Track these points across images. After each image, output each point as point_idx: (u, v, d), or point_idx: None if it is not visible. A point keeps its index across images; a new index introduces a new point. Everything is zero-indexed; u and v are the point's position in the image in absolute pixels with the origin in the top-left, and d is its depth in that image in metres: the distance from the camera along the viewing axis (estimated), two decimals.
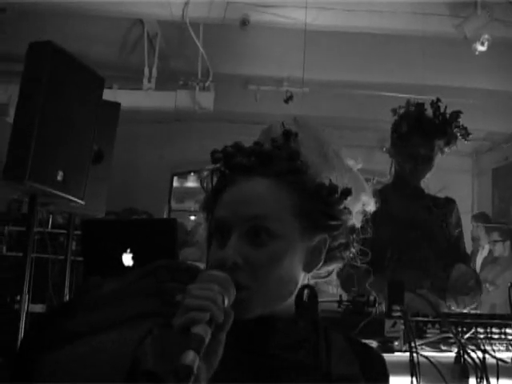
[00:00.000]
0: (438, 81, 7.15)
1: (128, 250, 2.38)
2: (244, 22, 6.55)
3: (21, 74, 3.21)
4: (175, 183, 10.20)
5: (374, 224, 1.43)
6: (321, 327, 1.39)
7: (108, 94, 4.15)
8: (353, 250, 1.41)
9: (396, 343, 2.15)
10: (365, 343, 1.49)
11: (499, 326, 2.30)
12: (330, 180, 1.31)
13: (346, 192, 1.33)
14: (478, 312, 2.63)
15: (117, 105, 4.29)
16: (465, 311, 2.83)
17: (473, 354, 2.10)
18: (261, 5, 6.47)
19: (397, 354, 2.12)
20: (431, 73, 7.03)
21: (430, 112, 3.13)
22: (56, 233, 5.77)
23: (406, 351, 2.08)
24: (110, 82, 6.64)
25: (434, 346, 2.22)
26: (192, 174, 10.23)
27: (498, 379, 2.06)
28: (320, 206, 1.30)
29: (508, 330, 2.31)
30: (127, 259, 2.38)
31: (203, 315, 1.05)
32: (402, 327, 2.15)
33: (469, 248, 7.20)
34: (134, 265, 2.38)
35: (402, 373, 1.98)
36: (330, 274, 1.42)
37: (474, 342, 2.20)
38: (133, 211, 7.42)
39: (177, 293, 1.44)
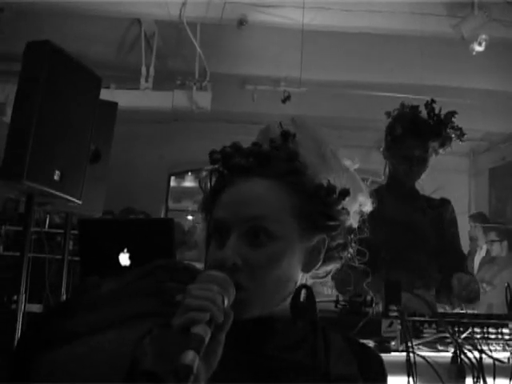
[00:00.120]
0: (436, 81, 7.16)
1: (125, 250, 2.38)
2: (241, 22, 6.56)
3: (18, 73, 3.21)
4: (172, 183, 10.20)
5: (370, 225, 1.44)
6: (319, 327, 1.39)
7: (105, 94, 4.15)
8: (351, 250, 1.41)
9: (393, 343, 2.15)
10: (363, 343, 1.50)
11: (496, 326, 2.31)
12: (329, 181, 1.32)
13: (344, 193, 1.33)
14: (475, 312, 2.63)
15: (114, 104, 4.29)
16: (461, 311, 2.83)
17: (469, 354, 2.10)
18: (258, 5, 6.48)
19: (393, 353, 2.12)
20: (429, 73, 7.05)
21: (424, 113, 3.13)
22: (53, 232, 5.77)
23: (402, 351, 2.08)
24: (107, 82, 6.64)
25: (431, 345, 2.23)
26: (189, 173, 10.24)
27: (494, 379, 2.06)
28: (318, 206, 1.31)
29: (505, 330, 2.31)
30: (124, 259, 2.38)
31: (203, 315, 1.05)
32: (399, 327, 2.16)
33: (466, 248, 7.24)
34: (131, 265, 2.38)
35: (399, 373, 1.98)
36: (328, 274, 1.42)
37: (471, 341, 2.20)
38: (130, 211, 7.42)
39: (175, 293, 1.44)
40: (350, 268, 1.44)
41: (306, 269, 1.33)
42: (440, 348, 2.22)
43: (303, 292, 1.32)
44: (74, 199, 3.45)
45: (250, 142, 1.36)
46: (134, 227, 2.65)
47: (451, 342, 2.19)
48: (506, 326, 2.32)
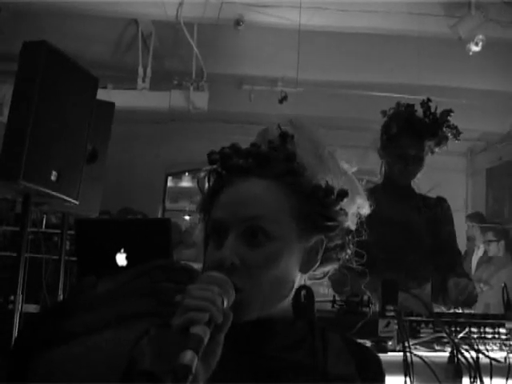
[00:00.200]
0: (433, 81, 7.16)
1: (122, 250, 2.37)
2: (238, 22, 6.56)
3: (15, 73, 3.20)
4: (169, 183, 10.19)
5: (366, 225, 1.44)
6: (317, 327, 1.39)
7: (102, 94, 4.14)
8: (348, 251, 1.41)
9: (390, 343, 2.16)
10: (361, 343, 1.50)
11: (492, 326, 2.31)
12: (327, 181, 1.32)
13: (342, 193, 1.33)
14: (472, 312, 2.63)
15: (111, 104, 4.28)
16: (458, 311, 2.83)
17: (466, 354, 2.10)
18: (255, 5, 6.47)
19: (390, 353, 2.13)
20: (426, 73, 7.05)
21: (420, 112, 3.12)
22: (50, 233, 5.75)
23: (399, 351, 2.09)
24: (104, 82, 6.64)
25: (428, 345, 2.23)
26: (186, 173, 10.23)
27: (491, 379, 2.07)
28: (317, 207, 1.31)
29: (501, 330, 2.31)
30: (121, 259, 2.37)
31: (202, 316, 1.05)
32: (396, 327, 2.16)
33: (463, 248, 7.24)
34: (127, 265, 2.37)
35: (396, 373, 1.98)
36: (325, 275, 1.42)
37: (468, 341, 2.21)
38: (128, 211, 7.41)
39: (172, 293, 1.44)
40: (347, 269, 1.44)
41: (304, 269, 1.33)
42: (437, 348, 2.23)
43: (303, 292, 1.33)
44: (70, 199, 3.44)
45: (247, 142, 1.36)
46: (130, 227, 2.64)
47: (448, 342, 2.20)
48: (503, 325, 2.33)
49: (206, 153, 1.36)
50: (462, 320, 2.31)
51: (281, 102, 7.66)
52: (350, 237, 1.41)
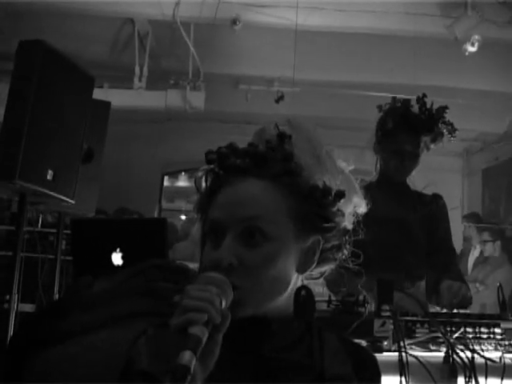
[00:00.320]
0: (430, 81, 7.16)
1: (118, 250, 2.37)
2: (235, 22, 6.56)
3: (11, 72, 3.20)
4: (166, 183, 10.19)
5: (362, 224, 1.44)
6: (315, 327, 1.39)
7: (99, 93, 4.15)
8: (345, 251, 1.41)
9: (385, 343, 2.15)
10: (358, 343, 1.50)
11: (488, 326, 2.31)
12: (324, 182, 1.32)
13: (340, 194, 1.33)
14: (467, 312, 2.63)
15: (107, 104, 4.28)
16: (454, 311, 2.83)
17: (462, 354, 2.10)
18: (252, 5, 6.48)
19: (386, 353, 2.12)
20: (423, 73, 7.05)
21: (416, 108, 3.10)
22: (46, 232, 5.74)
23: (395, 351, 2.09)
24: (100, 81, 6.64)
25: (423, 345, 2.22)
26: (183, 173, 10.23)
27: (486, 379, 2.07)
28: (314, 207, 1.31)
29: (496, 330, 2.31)
30: (117, 258, 2.38)
31: (201, 316, 1.06)
32: (391, 327, 2.16)
33: (459, 248, 7.25)
34: (123, 264, 2.38)
35: (391, 372, 1.98)
36: (322, 275, 1.42)
37: (463, 341, 2.21)
38: (124, 211, 7.41)
39: (168, 292, 1.45)
40: (344, 269, 1.44)
41: (301, 270, 1.33)
42: (432, 348, 2.22)
43: (302, 293, 1.33)
44: (66, 199, 3.44)
45: (244, 142, 1.36)
46: (126, 227, 2.64)
47: (443, 342, 2.20)
48: (498, 325, 2.33)
49: (202, 152, 1.36)
50: (457, 320, 2.31)
51: (277, 101, 7.66)
52: (346, 237, 1.41)
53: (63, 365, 1.39)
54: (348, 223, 1.39)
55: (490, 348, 2.28)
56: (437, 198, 3.28)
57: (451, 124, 3.06)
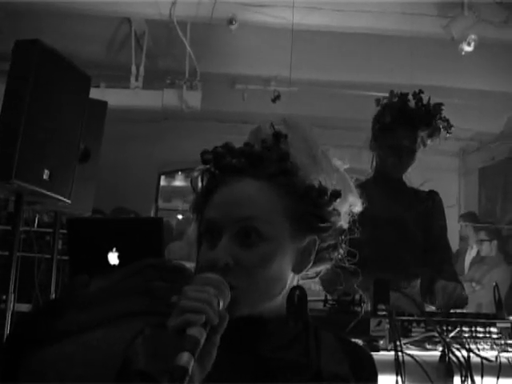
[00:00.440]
0: (426, 81, 7.14)
1: (114, 249, 2.37)
2: (231, 21, 6.55)
3: (7, 72, 3.20)
4: (162, 182, 10.18)
5: (358, 222, 1.44)
6: (311, 326, 1.39)
7: (95, 93, 4.15)
8: (341, 251, 1.41)
9: (381, 342, 2.16)
10: (355, 342, 1.51)
11: (484, 325, 2.31)
12: (320, 182, 1.32)
13: (336, 194, 1.33)
14: (463, 311, 2.63)
15: (104, 103, 4.28)
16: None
17: (457, 353, 2.10)
18: (248, 4, 6.47)
19: (382, 352, 2.12)
20: (419, 73, 7.05)
21: (412, 104, 3.08)
22: (42, 232, 5.73)
23: (391, 350, 2.09)
24: (97, 81, 6.63)
25: (419, 344, 2.23)
26: (179, 173, 10.22)
27: (482, 378, 2.07)
28: (310, 207, 1.31)
29: (492, 329, 2.32)
30: (113, 258, 2.37)
31: (199, 317, 1.06)
32: (388, 326, 2.16)
33: (455, 247, 7.26)
34: (120, 264, 2.37)
35: (388, 372, 1.98)
36: (318, 274, 1.42)
37: (459, 340, 2.21)
38: (121, 210, 7.40)
39: (165, 291, 1.45)
40: (340, 268, 1.44)
41: (297, 269, 1.34)
42: (428, 347, 2.23)
43: (296, 293, 1.33)
44: (63, 198, 3.44)
45: (240, 142, 1.36)
46: (122, 226, 2.63)
47: (439, 341, 2.20)
48: (494, 325, 2.33)
49: (199, 152, 1.36)
50: (453, 319, 2.31)
51: (274, 101, 7.66)
52: (342, 236, 1.41)
53: (60, 364, 1.39)
54: (344, 222, 1.40)
55: (486, 347, 2.28)
56: (433, 194, 3.26)
57: (447, 120, 3.05)
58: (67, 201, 3.48)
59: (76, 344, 1.42)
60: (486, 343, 2.29)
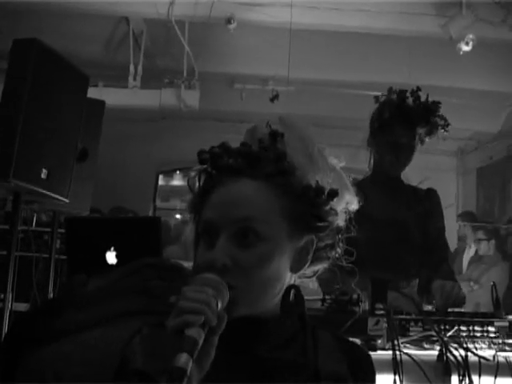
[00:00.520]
0: (425, 80, 7.13)
1: (112, 248, 2.37)
2: (229, 21, 6.56)
3: (5, 71, 3.19)
4: (161, 181, 10.18)
5: (355, 221, 1.44)
6: (308, 326, 1.39)
7: (93, 92, 4.14)
8: (338, 250, 1.41)
9: (379, 341, 2.16)
10: (352, 342, 1.50)
11: (481, 324, 2.31)
12: (317, 181, 1.32)
13: (333, 193, 1.33)
14: (461, 310, 2.63)
15: (102, 103, 4.28)
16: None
17: (455, 352, 2.10)
18: (247, 3, 6.48)
19: (380, 352, 2.12)
20: (417, 72, 7.05)
21: (410, 101, 3.07)
22: (40, 231, 5.73)
23: (389, 349, 2.09)
24: (95, 80, 6.63)
25: (417, 344, 2.23)
26: (178, 172, 10.22)
27: (480, 377, 2.07)
28: (307, 207, 1.31)
29: (490, 328, 2.32)
30: (111, 257, 2.38)
31: (197, 318, 1.06)
32: (385, 325, 2.16)
33: (453, 246, 7.26)
34: (117, 263, 2.38)
35: (385, 371, 1.98)
36: (315, 273, 1.42)
37: (457, 339, 2.21)
38: (120, 210, 7.41)
39: (163, 290, 1.44)
40: (337, 267, 1.44)
41: (295, 269, 1.34)
42: (426, 346, 2.23)
43: (292, 292, 1.33)
44: (61, 198, 3.44)
45: (238, 141, 1.36)
46: (120, 225, 2.64)
47: (437, 340, 2.20)
48: (492, 324, 2.33)
49: (197, 151, 1.36)
50: (451, 318, 2.32)
51: (272, 100, 7.67)
52: (339, 235, 1.41)
53: (57, 363, 1.39)
54: (340, 220, 1.39)
55: (484, 346, 2.28)
56: (431, 192, 3.24)
57: (445, 118, 3.04)
58: (65, 200, 3.48)
59: (74, 343, 1.42)
60: (483, 342, 2.29)
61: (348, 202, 1.42)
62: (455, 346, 2.15)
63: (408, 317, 2.27)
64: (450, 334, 2.25)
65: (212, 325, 1.08)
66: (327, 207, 1.33)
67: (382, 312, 2.20)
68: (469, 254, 7.88)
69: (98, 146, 4.16)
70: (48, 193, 3.32)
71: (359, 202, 1.44)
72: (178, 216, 9.85)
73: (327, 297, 2.32)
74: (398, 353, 2.03)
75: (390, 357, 2.03)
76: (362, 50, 7.21)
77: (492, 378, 2.11)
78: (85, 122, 3.63)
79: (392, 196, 3.13)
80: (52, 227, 4.27)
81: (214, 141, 1.37)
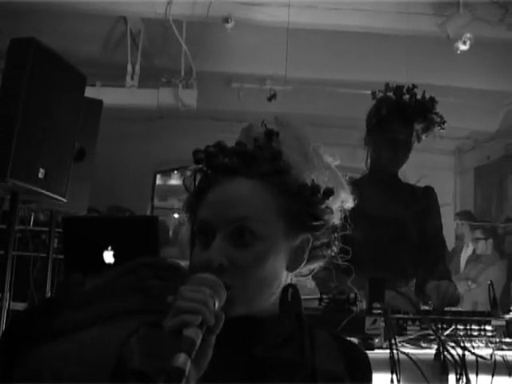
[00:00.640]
0: (422, 79, 7.13)
1: (109, 248, 2.38)
2: (227, 20, 6.55)
3: (2, 70, 3.19)
4: (158, 181, 10.17)
5: (351, 220, 1.44)
6: (306, 325, 1.39)
7: (91, 92, 4.14)
8: (334, 248, 1.41)
9: (376, 340, 2.16)
10: (350, 341, 1.50)
11: (479, 323, 2.32)
12: (313, 180, 1.32)
13: (329, 192, 1.33)
14: (458, 309, 2.63)
15: (99, 102, 4.27)
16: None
17: (452, 351, 2.11)
18: (244, 3, 6.48)
19: (377, 351, 2.13)
20: (415, 71, 7.05)
21: (406, 98, 3.07)
22: (38, 230, 5.73)
23: (386, 348, 2.09)
24: (92, 80, 6.64)
25: (414, 343, 2.23)
26: (175, 171, 10.21)
27: (477, 376, 2.07)
28: (303, 206, 1.31)
29: (487, 327, 2.32)
30: (108, 256, 2.38)
31: (195, 318, 1.06)
32: (383, 324, 2.16)
33: (450, 245, 7.27)
34: (115, 262, 2.38)
35: (383, 370, 1.99)
36: (311, 272, 1.42)
37: (454, 338, 2.21)
38: (117, 209, 7.41)
39: (159, 290, 1.44)
40: (333, 265, 1.44)
41: (291, 268, 1.33)
42: (423, 345, 2.23)
43: (290, 291, 1.33)
44: (58, 197, 3.44)
45: (235, 141, 1.36)
46: (118, 225, 2.64)
47: (434, 339, 2.20)
48: (489, 322, 2.33)
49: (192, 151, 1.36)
50: (448, 317, 2.32)
51: (270, 100, 7.67)
52: (335, 234, 1.41)
53: (55, 362, 1.39)
54: (336, 219, 1.39)
55: (481, 345, 2.29)
56: (428, 190, 3.22)
57: (441, 116, 3.04)
58: (63, 199, 3.47)
59: (71, 342, 1.41)
60: (480, 341, 2.30)
61: (343, 201, 1.42)
62: (452, 344, 2.15)
63: (405, 316, 2.27)
64: (447, 332, 2.25)
65: (210, 324, 1.08)
66: (323, 206, 1.33)
67: (379, 311, 2.20)
68: (466, 253, 7.89)
69: (95, 145, 4.15)
70: (45, 192, 3.32)
71: (354, 200, 1.44)
72: (175, 215, 9.85)
73: (324, 296, 2.32)
74: (395, 352, 2.03)
75: (388, 356, 2.03)
76: (360, 50, 7.21)
77: (489, 377, 2.11)
78: (82, 121, 3.63)
79: (390, 194, 3.13)
80: (50, 226, 4.27)
81: (211, 140, 1.36)
